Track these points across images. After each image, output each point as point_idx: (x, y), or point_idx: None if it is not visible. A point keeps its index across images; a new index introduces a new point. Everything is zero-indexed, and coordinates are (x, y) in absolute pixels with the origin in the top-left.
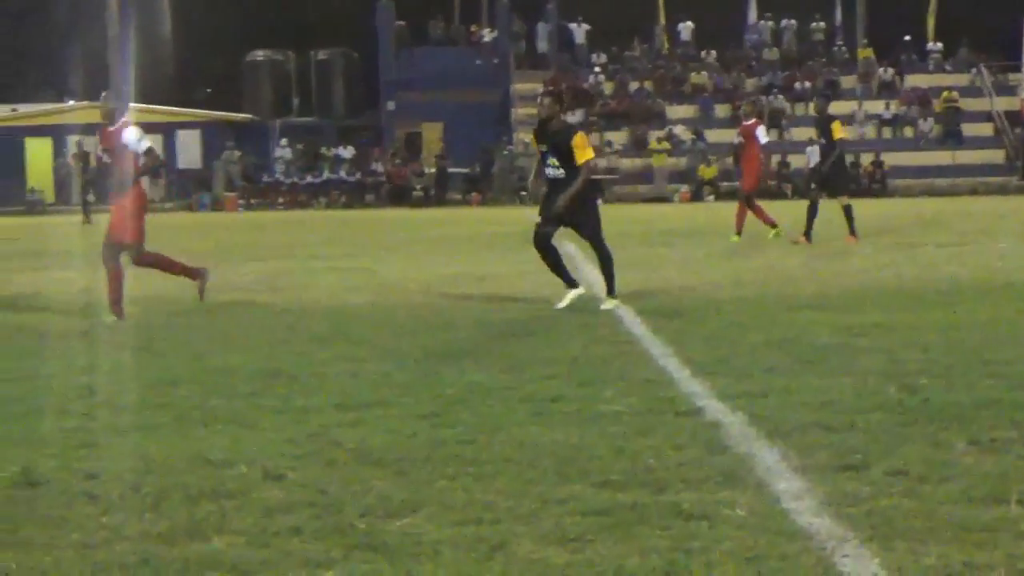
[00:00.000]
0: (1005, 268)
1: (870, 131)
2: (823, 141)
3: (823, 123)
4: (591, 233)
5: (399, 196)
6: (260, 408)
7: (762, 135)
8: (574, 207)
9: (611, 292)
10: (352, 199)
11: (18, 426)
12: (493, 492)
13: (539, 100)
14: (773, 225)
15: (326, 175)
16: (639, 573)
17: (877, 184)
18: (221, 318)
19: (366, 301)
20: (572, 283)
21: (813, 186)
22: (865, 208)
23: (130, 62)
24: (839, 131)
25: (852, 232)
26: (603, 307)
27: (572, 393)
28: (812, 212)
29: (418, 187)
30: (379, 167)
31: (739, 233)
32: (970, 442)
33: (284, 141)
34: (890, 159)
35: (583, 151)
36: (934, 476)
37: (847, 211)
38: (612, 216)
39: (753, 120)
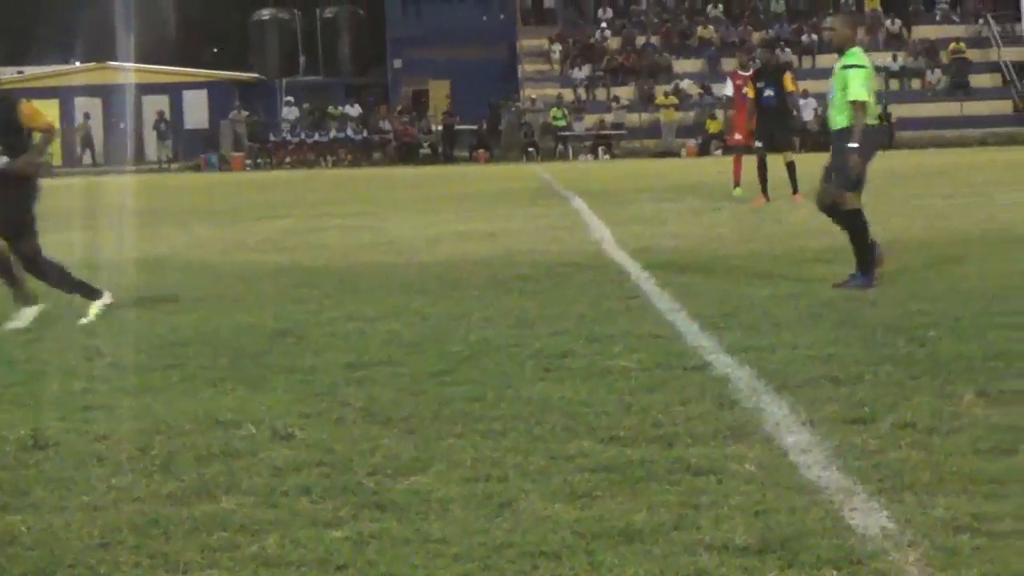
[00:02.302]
0: (1013, 220)
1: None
2: (770, 93)
3: (773, 74)
4: (10, 232)
5: (406, 154)
6: (269, 368)
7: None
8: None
9: (93, 296)
10: (359, 157)
11: (26, 389)
12: (501, 449)
13: None
14: (738, 184)
15: (333, 133)
16: (647, 528)
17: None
18: (229, 278)
19: (374, 259)
20: (29, 301)
21: (759, 144)
22: (873, 161)
23: (134, 23)
24: (791, 83)
25: (795, 190)
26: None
27: (580, 349)
28: (762, 169)
29: (425, 144)
30: (386, 125)
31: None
32: (978, 393)
33: (290, 100)
34: (898, 111)
35: (35, 120)
36: (942, 428)
37: (790, 168)
38: (621, 171)
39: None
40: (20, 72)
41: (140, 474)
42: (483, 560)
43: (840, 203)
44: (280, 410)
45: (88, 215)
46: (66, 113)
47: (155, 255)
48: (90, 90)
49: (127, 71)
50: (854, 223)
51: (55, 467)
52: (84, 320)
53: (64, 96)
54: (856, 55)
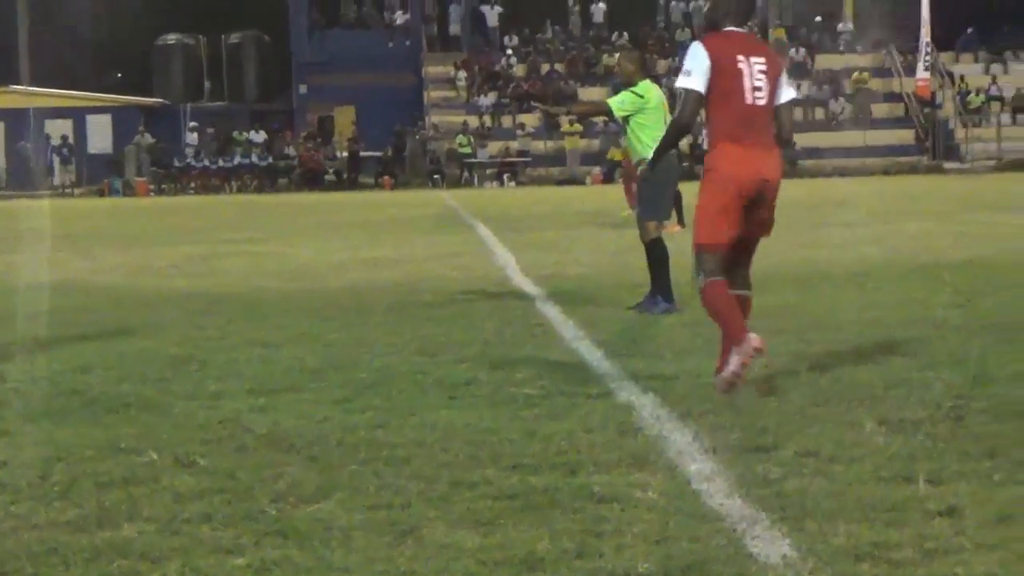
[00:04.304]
0: (914, 249)
1: None
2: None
3: None
4: None
5: (312, 180)
6: (171, 394)
7: None
8: None
9: None
10: (264, 183)
11: None
12: (405, 476)
13: None
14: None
15: (238, 159)
16: (550, 556)
17: (789, 165)
18: (133, 303)
19: (279, 286)
20: None
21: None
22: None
23: (37, 47)
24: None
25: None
26: None
27: (484, 376)
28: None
29: (330, 171)
30: (291, 151)
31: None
32: (879, 422)
33: (195, 125)
34: (802, 140)
35: None
36: (844, 456)
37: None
38: (525, 199)
39: None
40: None
41: (39, 501)
42: None
43: (641, 233)
44: (182, 436)
45: None
46: None
47: (58, 280)
48: None
49: (30, 95)
50: (652, 252)
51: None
52: None
53: None
54: (643, 87)
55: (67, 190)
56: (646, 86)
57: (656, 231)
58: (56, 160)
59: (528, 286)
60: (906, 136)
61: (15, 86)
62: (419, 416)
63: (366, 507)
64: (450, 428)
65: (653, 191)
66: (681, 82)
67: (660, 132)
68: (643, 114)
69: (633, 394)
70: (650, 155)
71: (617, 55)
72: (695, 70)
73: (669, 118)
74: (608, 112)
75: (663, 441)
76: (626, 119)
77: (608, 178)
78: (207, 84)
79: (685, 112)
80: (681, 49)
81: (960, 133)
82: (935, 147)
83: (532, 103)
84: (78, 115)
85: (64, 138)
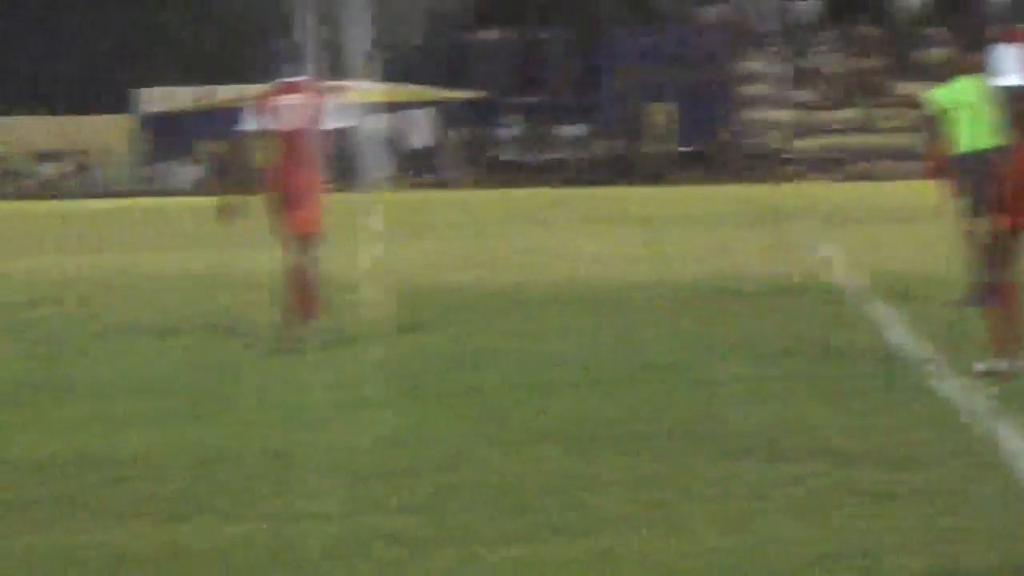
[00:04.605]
0: None
1: None
2: None
3: None
4: None
5: (623, 174)
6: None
7: None
8: None
9: None
10: (577, 177)
11: (259, 402)
12: (738, 468)
13: None
14: None
15: (552, 153)
16: (887, 549)
17: None
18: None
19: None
20: None
21: None
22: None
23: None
24: None
25: None
26: None
27: (808, 370)
28: None
29: (642, 165)
30: (603, 145)
31: None
32: None
33: (511, 119)
34: None
35: None
36: None
37: None
38: (845, 194)
39: None
40: None
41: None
42: None
43: (975, 226)
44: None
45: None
46: None
47: (393, 272)
48: None
49: (355, 90)
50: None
51: (290, 475)
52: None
53: None
54: (962, 82)
55: (388, 183)
56: (965, 81)
57: (990, 226)
58: (377, 154)
59: (849, 281)
60: None
61: (350, 82)
62: (743, 408)
63: (702, 498)
64: (775, 421)
65: (989, 186)
66: (1001, 80)
67: (979, 128)
68: (962, 109)
69: (963, 389)
70: (969, 150)
71: (935, 50)
72: (1011, 68)
73: (988, 114)
74: (928, 108)
75: (997, 438)
76: (945, 113)
77: (930, 173)
78: (523, 78)
79: (1013, 108)
80: (994, 45)
81: None
82: None
83: None
84: (398, 109)
85: (384, 132)
